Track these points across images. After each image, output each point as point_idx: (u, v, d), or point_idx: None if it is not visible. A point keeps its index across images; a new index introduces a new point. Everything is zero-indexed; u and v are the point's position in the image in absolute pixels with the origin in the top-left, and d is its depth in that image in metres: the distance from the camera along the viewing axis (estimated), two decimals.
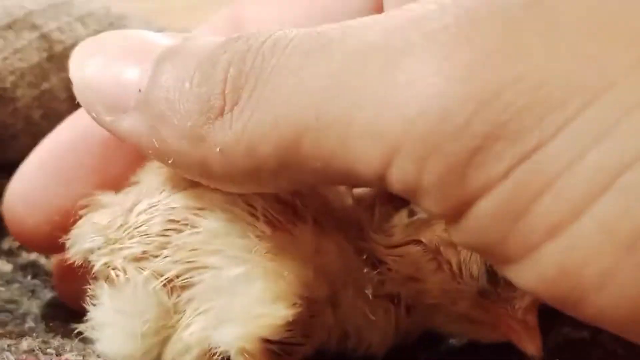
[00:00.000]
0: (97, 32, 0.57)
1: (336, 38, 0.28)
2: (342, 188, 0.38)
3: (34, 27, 0.54)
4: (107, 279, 0.36)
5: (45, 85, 0.53)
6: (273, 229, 0.34)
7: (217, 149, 0.30)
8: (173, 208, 0.35)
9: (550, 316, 0.37)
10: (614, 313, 0.25)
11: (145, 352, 0.35)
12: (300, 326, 0.33)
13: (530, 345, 0.35)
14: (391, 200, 0.39)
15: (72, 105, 0.55)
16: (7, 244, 0.49)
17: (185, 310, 0.34)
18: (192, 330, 0.34)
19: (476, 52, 0.26)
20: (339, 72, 0.28)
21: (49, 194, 0.40)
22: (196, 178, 0.33)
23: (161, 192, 0.36)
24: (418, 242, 0.37)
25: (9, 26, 0.52)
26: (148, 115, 0.32)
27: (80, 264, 0.37)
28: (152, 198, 0.36)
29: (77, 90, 0.34)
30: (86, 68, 0.34)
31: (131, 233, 0.35)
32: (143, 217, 0.35)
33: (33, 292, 0.46)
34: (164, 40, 0.33)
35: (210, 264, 0.34)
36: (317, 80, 0.28)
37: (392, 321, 0.37)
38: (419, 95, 0.26)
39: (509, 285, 0.36)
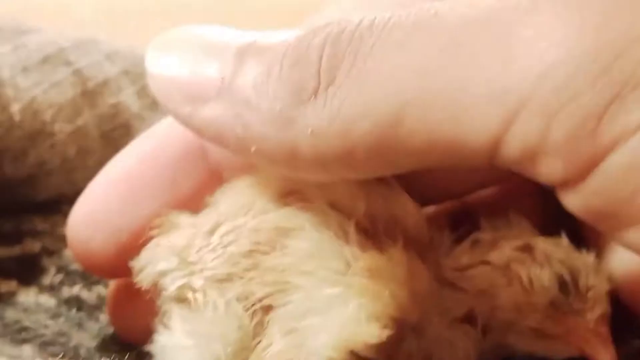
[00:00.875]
0: (124, 69, 0.58)
1: (443, 9, 0.28)
2: (414, 207, 0.37)
3: (68, 63, 0.54)
4: (182, 302, 0.35)
5: (79, 121, 0.53)
6: (365, 249, 0.33)
7: (309, 131, 0.29)
8: (259, 230, 0.34)
9: (619, 329, 0.37)
10: None
11: None
12: (386, 348, 0.33)
13: (604, 355, 0.35)
14: (456, 224, 0.39)
15: (105, 143, 0.55)
16: (47, 279, 0.48)
17: (266, 332, 0.33)
18: (275, 350, 0.33)
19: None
20: (451, 39, 0.27)
21: (116, 214, 0.39)
22: (281, 166, 0.32)
23: (245, 214, 0.35)
24: (486, 262, 0.37)
25: (45, 61, 0.52)
26: (231, 103, 0.31)
27: (147, 288, 0.36)
28: (236, 220, 0.35)
29: (153, 84, 0.33)
30: (163, 61, 0.33)
31: (214, 255, 0.34)
32: (227, 238, 0.34)
33: (79, 325, 0.45)
34: (243, 35, 0.32)
35: (301, 285, 0.33)
36: (425, 51, 0.28)
37: (471, 344, 0.36)
38: (550, 48, 0.26)
39: (581, 296, 0.36)
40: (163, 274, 0.36)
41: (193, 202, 0.38)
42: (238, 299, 0.33)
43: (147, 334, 0.37)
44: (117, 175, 0.40)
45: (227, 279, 0.34)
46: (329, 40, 0.30)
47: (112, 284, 0.43)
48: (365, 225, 0.35)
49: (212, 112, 0.32)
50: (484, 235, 0.39)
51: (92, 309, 0.47)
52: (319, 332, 0.32)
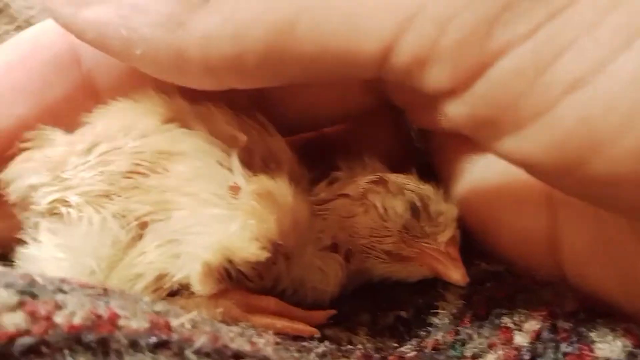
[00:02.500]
0: None
1: None
2: (286, 144, 0.39)
3: None
4: (53, 216, 0.35)
5: None
6: (253, 172, 0.35)
7: (199, 34, 0.30)
8: (140, 152, 0.35)
9: (467, 253, 0.40)
10: (628, 165, 0.27)
11: None
12: (259, 267, 0.35)
13: (455, 274, 0.38)
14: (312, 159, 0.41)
15: None
16: None
17: (140, 242, 0.34)
18: (149, 259, 0.34)
19: None
20: None
21: None
22: (167, 71, 0.32)
23: (125, 135, 0.35)
24: (345, 195, 0.40)
25: None
26: (116, 5, 0.31)
27: (14, 201, 0.36)
28: (115, 141, 0.35)
29: None
30: None
31: (92, 173, 0.35)
32: (106, 157, 0.35)
33: None
34: None
35: (184, 205, 0.34)
36: None
37: (340, 271, 0.39)
38: None
39: (431, 220, 0.39)
40: (34, 188, 0.35)
41: (63, 111, 0.37)
42: (115, 216, 0.34)
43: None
44: None
45: (105, 196, 0.34)
46: None
47: None
48: (243, 158, 0.36)
49: (95, 12, 0.31)
50: (341, 174, 0.41)
51: None
52: (199, 239, 0.33)
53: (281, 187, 0.35)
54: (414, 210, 0.39)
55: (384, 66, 0.29)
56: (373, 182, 0.40)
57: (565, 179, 0.29)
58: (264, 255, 0.33)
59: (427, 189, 0.40)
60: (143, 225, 0.34)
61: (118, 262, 0.34)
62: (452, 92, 0.29)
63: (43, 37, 0.38)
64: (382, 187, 0.40)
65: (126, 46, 0.31)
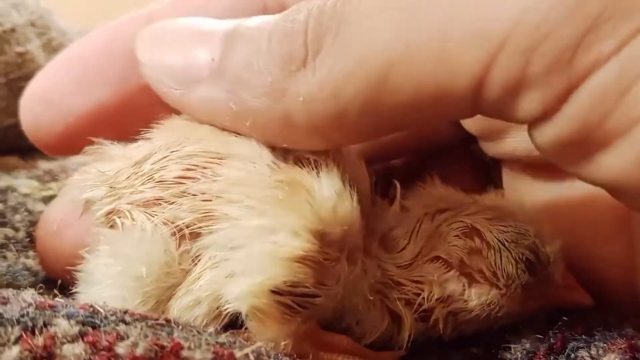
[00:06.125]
0: (30, 21, 0.57)
1: None
2: (367, 172, 0.37)
3: None
4: (111, 227, 0.35)
5: None
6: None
7: (300, 99, 0.31)
8: (192, 155, 0.34)
9: None
10: None
11: (145, 297, 0.34)
12: (313, 270, 0.32)
13: (582, 299, 0.37)
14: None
15: (10, 91, 0.55)
16: None
17: (195, 263, 0.33)
18: (202, 284, 0.33)
19: None
20: None
21: (68, 95, 0.40)
22: (276, 137, 0.33)
23: (179, 145, 0.35)
24: (435, 258, 0.36)
25: None
26: (224, 81, 0.33)
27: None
28: (169, 150, 0.35)
29: (146, 70, 0.35)
30: (154, 50, 0.35)
31: (144, 180, 0.34)
32: (159, 164, 0.34)
33: None
34: (227, 22, 0.34)
35: (227, 215, 0.33)
36: (403, 5, 0.29)
37: (391, 326, 0.37)
38: None
39: (546, 267, 0.37)
40: (91, 201, 0.36)
41: (139, 103, 0.39)
42: (165, 224, 0.33)
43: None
44: (73, 60, 0.41)
45: (156, 203, 0.34)
46: (313, 13, 0.31)
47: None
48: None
49: (205, 92, 0.33)
50: (409, 202, 0.38)
51: None
52: (240, 276, 0.32)
53: (312, 177, 0.33)
54: (530, 267, 0.36)
55: (479, 101, 0.29)
56: (464, 234, 0.36)
57: None
58: (309, 246, 0.32)
59: (527, 233, 0.37)
60: (194, 236, 0.33)
61: (169, 275, 0.34)
62: (541, 119, 0.29)
63: (124, 28, 0.41)
64: (477, 240, 0.36)
65: (236, 119, 0.33)
